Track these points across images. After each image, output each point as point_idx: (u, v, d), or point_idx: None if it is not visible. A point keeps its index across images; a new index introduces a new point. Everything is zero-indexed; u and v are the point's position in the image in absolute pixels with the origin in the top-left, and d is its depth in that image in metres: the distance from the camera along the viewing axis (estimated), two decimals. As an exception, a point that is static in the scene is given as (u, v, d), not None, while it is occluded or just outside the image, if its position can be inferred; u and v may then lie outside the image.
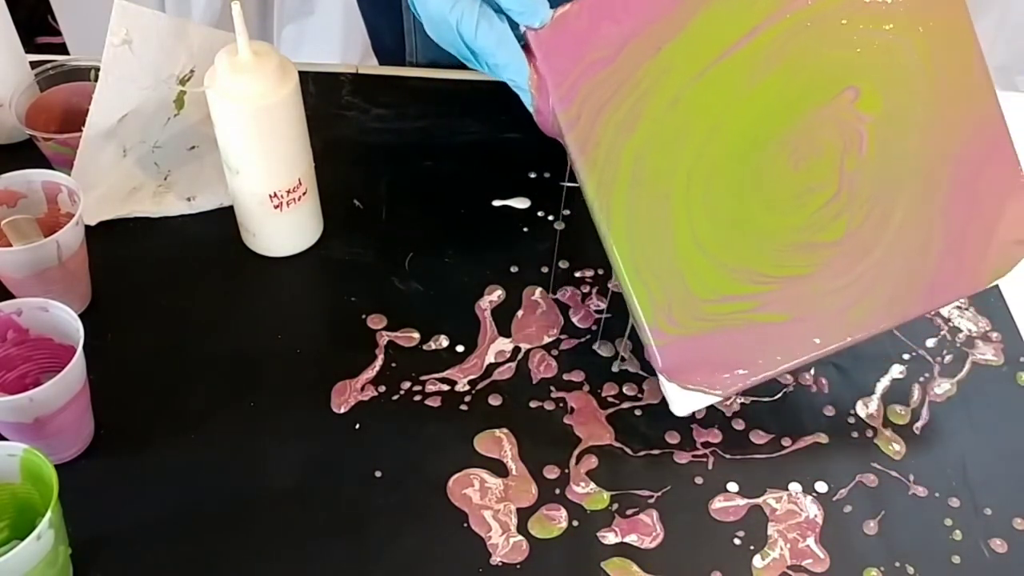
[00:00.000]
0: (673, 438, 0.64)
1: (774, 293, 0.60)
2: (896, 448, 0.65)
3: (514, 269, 0.74)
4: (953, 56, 0.61)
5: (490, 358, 0.68)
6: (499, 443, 0.64)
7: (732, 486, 0.62)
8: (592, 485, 0.62)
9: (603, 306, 0.72)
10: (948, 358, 0.70)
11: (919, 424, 0.66)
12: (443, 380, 0.67)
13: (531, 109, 0.57)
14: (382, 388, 0.66)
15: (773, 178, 0.59)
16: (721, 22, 0.58)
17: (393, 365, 0.68)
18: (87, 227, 0.69)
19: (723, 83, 0.58)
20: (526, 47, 0.56)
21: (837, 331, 0.61)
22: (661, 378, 0.60)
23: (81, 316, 0.59)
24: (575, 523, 0.60)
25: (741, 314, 0.60)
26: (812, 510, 0.61)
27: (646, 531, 0.60)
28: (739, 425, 0.66)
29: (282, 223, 0.72)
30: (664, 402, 0.63)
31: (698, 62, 0.57)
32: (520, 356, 0.69)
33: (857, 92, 0.60)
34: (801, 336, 0.60)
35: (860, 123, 0.60)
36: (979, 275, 0.62)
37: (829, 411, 0.67)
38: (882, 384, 0.68)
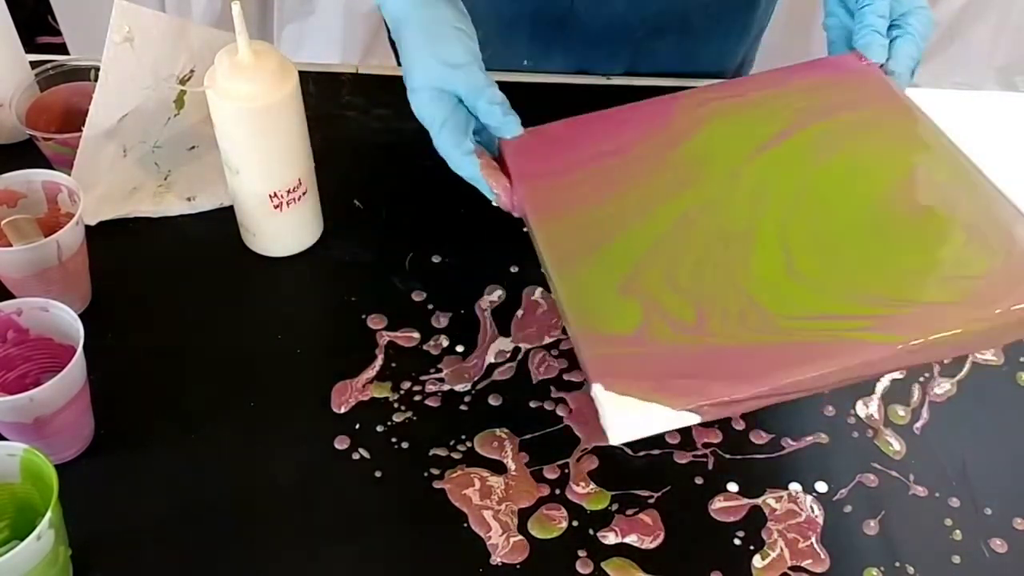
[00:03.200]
0: (673, 438, 0.64)
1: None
2: (896, 448, 0.65)
3: (514, 269, 0.74)
4: None
5: (490, 358, 0.68)
6: (499, 443, 0.64)
7: (732, 486, 0.62)
8: (592, 485, 0.62)
9: (603, 306, 0.72)
10: (948, 358, 0.70)
11: (919, 424, 0.66)
12: (443, 380, 0.67)
13: (491, 198, 0.61)
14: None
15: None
16: (722, 140, 0.62)
17: (393, 365, 0.68)
18: (87, 227, 0.69)
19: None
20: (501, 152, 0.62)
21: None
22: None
23: (81, 316, 0.59)
24: (575, 523, 0.60)
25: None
26: (812, 510, 0.61)
27: (646, 531, 0.60)
28: (739, 425, 0.66)
29: (282, 223, 0.72)
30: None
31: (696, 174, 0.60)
32: (520, 356, 0.69)
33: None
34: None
35: None
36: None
37: (829, 411, 0.67)
38: (882, 384, 0.68)
